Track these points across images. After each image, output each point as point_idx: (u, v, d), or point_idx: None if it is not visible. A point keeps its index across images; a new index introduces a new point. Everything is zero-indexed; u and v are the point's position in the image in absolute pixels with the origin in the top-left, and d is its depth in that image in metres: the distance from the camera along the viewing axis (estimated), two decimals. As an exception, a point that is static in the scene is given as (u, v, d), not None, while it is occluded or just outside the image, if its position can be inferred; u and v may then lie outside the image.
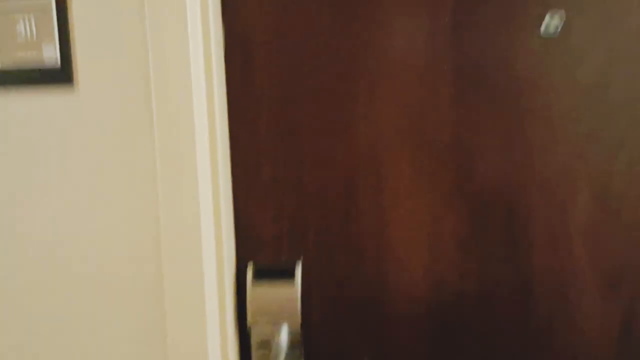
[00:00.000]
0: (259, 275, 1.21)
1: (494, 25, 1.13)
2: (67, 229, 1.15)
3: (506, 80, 1.14)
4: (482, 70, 1.14)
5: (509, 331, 1.18)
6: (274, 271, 1.21)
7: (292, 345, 1.20)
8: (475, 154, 1.16)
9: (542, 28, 1.13)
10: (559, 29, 1.12)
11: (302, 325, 1.20)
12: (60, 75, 1.10)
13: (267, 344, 1.21)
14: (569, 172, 1.14)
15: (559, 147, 1.14)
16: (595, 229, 1.14)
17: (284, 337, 1.19)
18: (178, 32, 1.07)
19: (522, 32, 1.12)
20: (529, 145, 1.14)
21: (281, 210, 1.21)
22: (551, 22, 1.13)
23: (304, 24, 1.17)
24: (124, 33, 1.09)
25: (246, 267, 1.22)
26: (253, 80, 1.19)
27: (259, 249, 1.23)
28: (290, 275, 1.20)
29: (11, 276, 1.17)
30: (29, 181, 1.15)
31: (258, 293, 1.20)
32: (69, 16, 1.09)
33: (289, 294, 1.20)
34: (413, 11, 1.14)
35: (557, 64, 1.12)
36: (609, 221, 1.14)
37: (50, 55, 1.10)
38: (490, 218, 1.17)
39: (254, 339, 1.21)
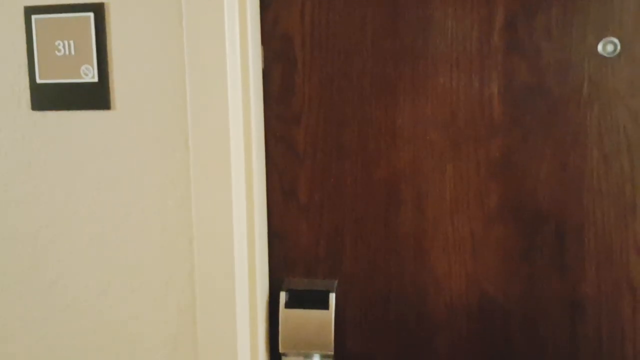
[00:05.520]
0: (292, 299, 1.18)
1: (552, 34, 1.08)
2: (103, 247, 1.15)
3: (562, 92, 1.09)
4: (537, 79, 1.09)
5: (554, 349, 1.14)
6: (308, 296, 1.18)
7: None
8: (527, 168, 1.11)
9: (600, 48, 1.08)
10: (617, 51, 1.06)
11: (335, 354, 1.17)
12: (98, 93, 1.10)
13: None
14: (627, 188, 1.09)
15: (616, 162, 1.09)
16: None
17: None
18: (216, 52, 1.05)
19: (581, 48, 1.07)
20: (585, 160, 1.10)
21: (318, 232, 1.18)
22: (607, 46, 1.08)
23: (346, 37, 1.14)
24: (162, 52, 1.08)
25: (280, 290, 1.19)
26: (292, 100, 1.17)
27: (294, 272, 1.20)
28: (325, 300, 1.17)
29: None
30: (65, 201, 1.15)
31: (291, 318, 1.17)
32: (108, 37, 1.09)
33: (323, 319, 1.16)
34: (464, 12, 1.10)
35: (617, 82, 1.07)
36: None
37: (88, 73, 1.10)
38: (539, 234, 1.12)
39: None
